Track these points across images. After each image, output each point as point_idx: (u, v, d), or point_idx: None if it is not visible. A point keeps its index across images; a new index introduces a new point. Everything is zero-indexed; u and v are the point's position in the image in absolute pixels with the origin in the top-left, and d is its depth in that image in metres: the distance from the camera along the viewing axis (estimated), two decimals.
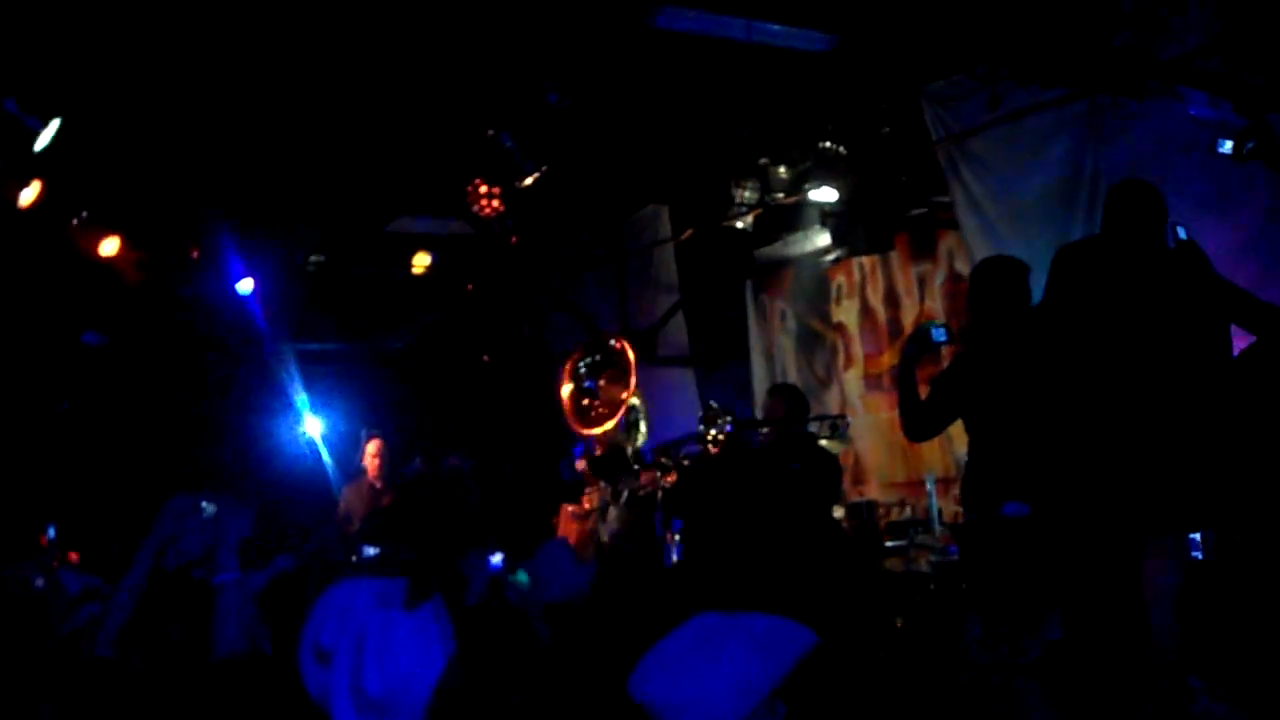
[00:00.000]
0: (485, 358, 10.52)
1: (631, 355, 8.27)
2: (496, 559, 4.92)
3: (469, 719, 2.48)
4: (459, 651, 3.06)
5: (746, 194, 8.78)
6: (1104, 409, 4.06)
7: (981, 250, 7.54)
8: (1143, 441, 3.93)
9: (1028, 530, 4.39)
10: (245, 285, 8.57)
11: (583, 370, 8.47)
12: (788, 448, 5.88)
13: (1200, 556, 3.72)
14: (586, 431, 8.20)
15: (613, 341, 8.47)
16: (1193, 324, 4.12)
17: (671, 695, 2.37)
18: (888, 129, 8.10)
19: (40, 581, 4.26)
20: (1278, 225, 5.60)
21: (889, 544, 8.06)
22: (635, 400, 8.23)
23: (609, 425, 8.07)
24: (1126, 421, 3.98)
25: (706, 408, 6.31)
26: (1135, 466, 3.91)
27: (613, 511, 7.08)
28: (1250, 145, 5.02)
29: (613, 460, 7.52)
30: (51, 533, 6.09)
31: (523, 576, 4.75)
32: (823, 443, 5.90)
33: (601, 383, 8.41)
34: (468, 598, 4.19)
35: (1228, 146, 5.09)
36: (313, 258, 9.03)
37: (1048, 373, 4.28)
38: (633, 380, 8.14)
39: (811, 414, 6.86)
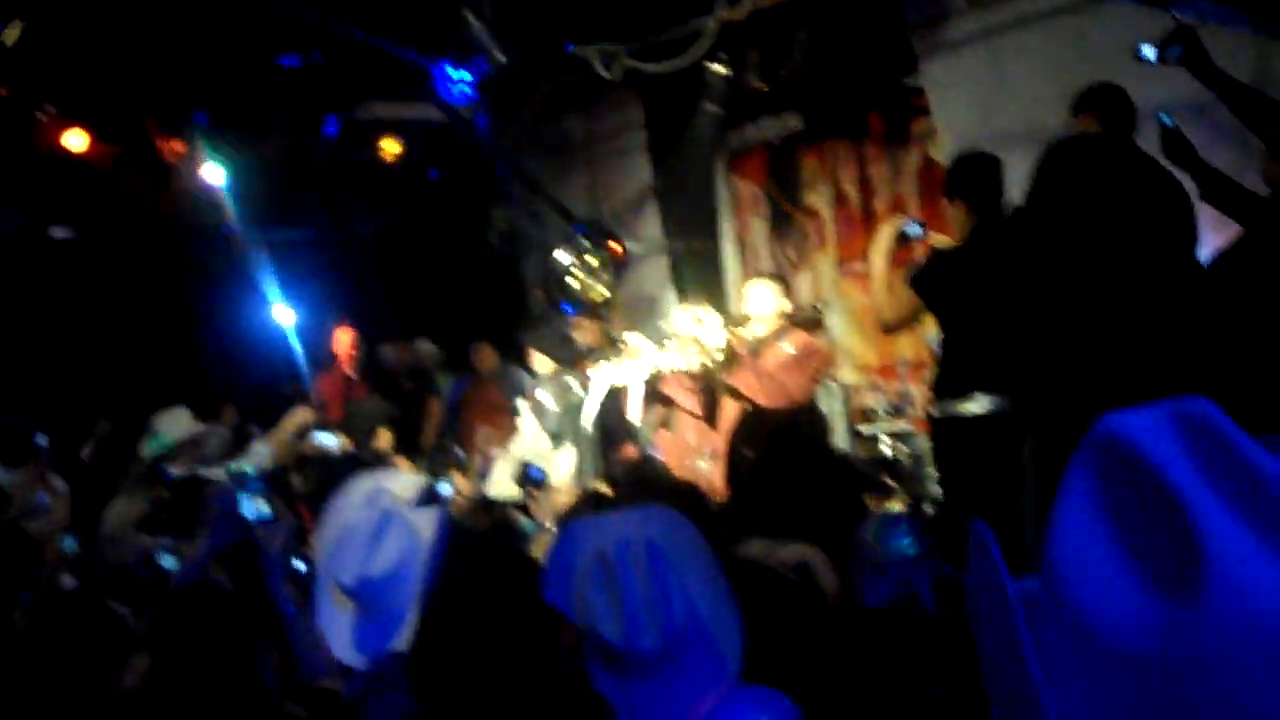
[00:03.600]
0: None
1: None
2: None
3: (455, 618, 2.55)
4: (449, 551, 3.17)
5: (718, 77, 8.70)
6: (1095, 307, 4.11)
7: (956, 136, 7.53)
8: (1132, 337, 3.99)
9: (1002, 423, 4.53)
10: (216, 175, 8.44)
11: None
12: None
13: None
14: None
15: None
16: (1178, 221, 4.16)
17: None
18: (861, 10, 8.01)
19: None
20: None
21: (861, 428, 8.24)
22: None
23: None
24: (1117, 318, 4.03)
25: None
26: (1124, 362, 3.98)
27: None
28: (1176, 52, 4.56)
29: None
30: (42, 440, 6.00)
31: None
32: (804, 334, 5.94)
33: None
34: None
35: (1149, 52, 4.63)
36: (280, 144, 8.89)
37: (1036, 269, 4.33)
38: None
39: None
